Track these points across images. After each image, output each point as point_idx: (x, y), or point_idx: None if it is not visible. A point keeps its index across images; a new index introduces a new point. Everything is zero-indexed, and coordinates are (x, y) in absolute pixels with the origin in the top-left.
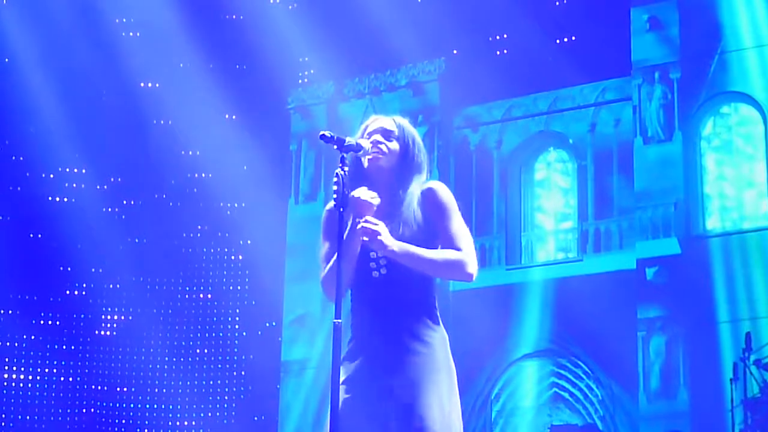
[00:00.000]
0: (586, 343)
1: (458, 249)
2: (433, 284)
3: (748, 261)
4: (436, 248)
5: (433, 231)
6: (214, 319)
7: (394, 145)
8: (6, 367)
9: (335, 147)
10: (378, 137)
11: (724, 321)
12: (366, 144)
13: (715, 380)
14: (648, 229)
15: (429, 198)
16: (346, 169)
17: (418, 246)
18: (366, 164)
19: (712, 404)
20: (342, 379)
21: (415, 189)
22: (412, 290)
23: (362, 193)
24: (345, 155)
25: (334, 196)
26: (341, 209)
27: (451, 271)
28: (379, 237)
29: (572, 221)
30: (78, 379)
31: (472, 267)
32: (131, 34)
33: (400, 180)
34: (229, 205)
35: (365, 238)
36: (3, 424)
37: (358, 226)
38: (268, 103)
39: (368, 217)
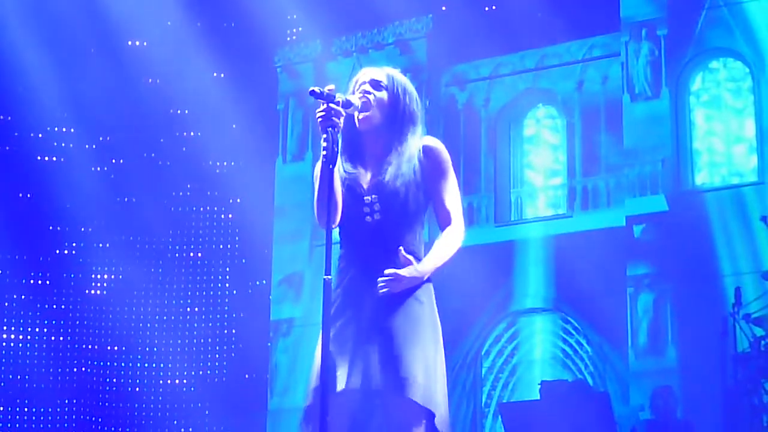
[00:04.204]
0: (576, 300)
1: (449, 218)
2: (422, 233)
3: (737, 216)
4: (426, 205)
5: (428, 189)
6: (204, 277)
7: (383, 95)
8: None
9: (325, 103)
10: (366, 87)
11: (713, 277)
12: (356, 100)
13: (703, 336)
14: (636, 187)
15: (429, 156)
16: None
17: (413, 199)
18: (357, 120)
19: (700, 360)
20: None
21: (413, 142)
22: (403, 238)
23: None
24: None
25: (324, 152)
26: (331, 166)
27: (454, 253)
28: (405, 281)
29: (562, 177)
30: (68, 338)
31: (462, 236)
32: None
33: (394, 132)
34: (218, 163)
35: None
36: None
37: (382, 286)
38: (257, 62)
39: (394, 272)
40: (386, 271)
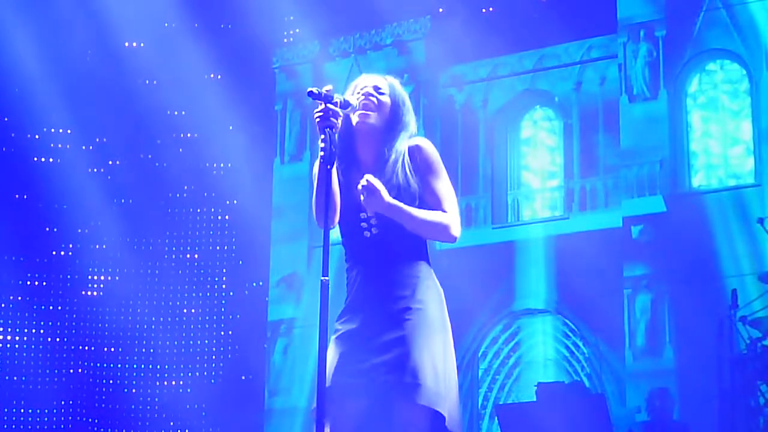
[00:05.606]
0: (573, 301)
1: (444, 211)
2: (425, 241)
3: (734, 218)
4: (421, 206)
5: (419, 189)
6: (201, 279)
7: (386, 99)
8: None
9: (323, 104)
10: (370, 90)
11: (710, 278)
12: (354, 101)
13: (701, 338)
14: (633, 188)
15: (415, 155)
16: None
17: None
18: (355, 121)
19: (697, 361)
20: (335, 335)
21: (402, 146)
22: (404, 248)
23: (372, 180)
24: None
25: (321, 153)
26: (329, 166)
27: (437, 232)
28: (378, 194)
29: (559, 179)
30: (64, 339)
31: (456, 229)
32: None
33: (387, 137)
34: (215, 165)
35: (363, 196)
36: None
37: (360, 186)
38: (254, 63)
39: (369, 176)
40: (367, 178)
